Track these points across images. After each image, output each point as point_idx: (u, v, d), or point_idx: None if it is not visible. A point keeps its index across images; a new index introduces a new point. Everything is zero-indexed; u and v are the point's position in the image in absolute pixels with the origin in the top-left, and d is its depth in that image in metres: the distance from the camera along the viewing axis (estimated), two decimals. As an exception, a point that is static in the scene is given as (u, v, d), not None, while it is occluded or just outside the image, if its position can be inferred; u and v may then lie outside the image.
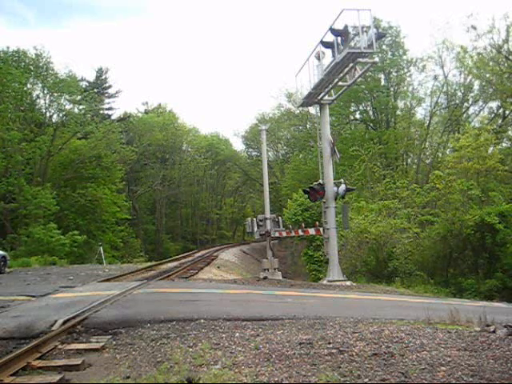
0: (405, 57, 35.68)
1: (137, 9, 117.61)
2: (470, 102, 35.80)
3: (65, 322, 6.68)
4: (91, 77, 46.77)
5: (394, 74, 36.18)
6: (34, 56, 30.80)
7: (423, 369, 4.33)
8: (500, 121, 33.45)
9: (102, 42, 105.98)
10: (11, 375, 4.55)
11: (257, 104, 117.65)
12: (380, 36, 17.34)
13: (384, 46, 34.05)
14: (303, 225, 19.99)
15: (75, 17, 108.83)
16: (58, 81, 31.59)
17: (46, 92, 32.37)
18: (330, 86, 16.64)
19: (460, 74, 35.17)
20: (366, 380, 4.07)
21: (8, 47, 30.31)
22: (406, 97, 37.64)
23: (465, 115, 36.11)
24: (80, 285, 12.52)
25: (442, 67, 35.30)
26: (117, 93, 48.50)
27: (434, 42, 38.13)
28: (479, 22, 62.25)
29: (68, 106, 33.99)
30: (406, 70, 36.48)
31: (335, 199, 17.07)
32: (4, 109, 27.60)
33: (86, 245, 31.41)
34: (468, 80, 34.95)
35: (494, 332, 6.02)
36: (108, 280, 14.11)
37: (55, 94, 32.23)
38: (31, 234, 25.59)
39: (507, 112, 33.50)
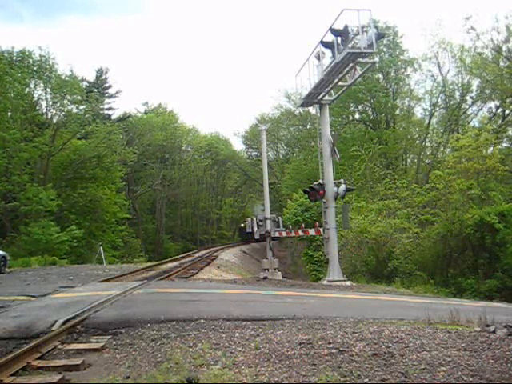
0: (402, 57, 35.68)
1: (136, 8, 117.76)
2: (469, 103, 35.80)
3: (65, 322, 6.68)
4: (91, 77, 46.83)
5: (393, 74, 36.18)
6: (38, 57, 30.73)
7: (423, 369, 4.34)
8: (500, 121, 33.44)
9: (102, 42, 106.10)
10: (11, 375, 4.56)
11: (257, 104, 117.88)
12: (380, 36, 17.33)
13: (382, 47, 34.01)
14: (303, 225, 19.97)
15: (73, 14, 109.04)
16: (61, 81, 31.54)
17: (48, 92, 32.34)
18: (330, 86, 16.64)
19: (458, 74, 35.19)
20: (366, 380, 4.08)
21: (13, 47, 30.32)
22: (405, 96, 37.66)
23: (464, 115, 36.09)
24: (80, 285, 12.52)
25: (440, 67, 35.36)
26: (117, 93, 48.52)
27: (432, 42, 37.96)
28: (479, 23, 62.07)
29: (70, 107, 34.01)
30: (403, 70, 36.50)
31: (335, 199, 17.07)
32: (3, 108, 27.56)
33: (87, 245, 31.38)
34: (467, 79, 34.95)
35: (494, 332, 6.02)
36: (108, 280, 14.09)
37: (57, 95, 32.17)
38: (31, 234, 25.59)
39: (507, 112, 33.52)
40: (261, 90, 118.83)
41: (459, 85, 35.22)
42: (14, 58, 30.13)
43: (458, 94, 35.63)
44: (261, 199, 41.14)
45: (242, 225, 47.76)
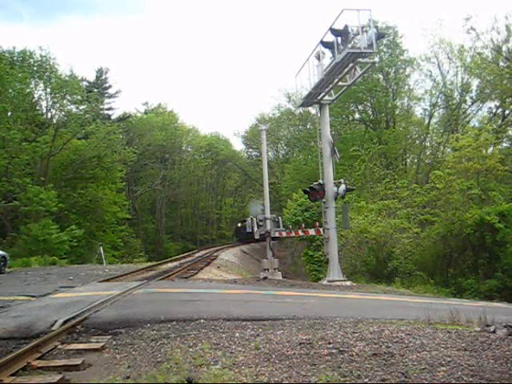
0: (402, 57, 35.69)
1: (136, 8, 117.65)
2: (469, 103, 35.79)
3: (65, 322, 6.68)
4: (91, 77, 46.86)
5: (393, 74, 36.19)
6: (39, 57, 30.70)
7: (423, 369, 4.34)
8: (500, 121, 33.44)
9: (102, 42, 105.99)
10: (11, 375, 4.55)
11: (257, 104, 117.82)
12: (380, 36, 17.33)
13: (382, 47, 34.02)
14: (303, 225, 19.96)
15: (73, 14, 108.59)
16: (61, 82, 31.54)
17: (48, 92, 32.30)
18: (330, 86, 16.63)
19: (458, 74, 35.19)
20: (366, 380, 4.08)
21: (14, 47, 30.36)
22: (405, 96, 37.67)
23: (464, 115, 36.09)
24: (80, 285, 12.51)
25: (439, 67, 35.36)
26: (117, 93, 48.53)
27: (432, 42, 37.96)
28: (478, 23, 62.03)
29: (70, 107, 34.03)
30: (403, 70, 36.49)
31: (335, 199, 17.06)
32: (3, 108, 27.57)
33: (87, 245, 31.39)
34: (466, 79, 34.95)
35: (494, 332, 6.02)
36: (108, 280, 14.09)
37: (58, 95, 32.15)
38: (31, 233, 25.57)
39: (507, 112, 33.51)
40: (261, 90, 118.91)
41: (459, 85, 35.23)
42: (15, 58, 30.15)
43: (457, 94, 35.66)
44: (260, 199, 41.13)
45: (239, 224, 47.43)
